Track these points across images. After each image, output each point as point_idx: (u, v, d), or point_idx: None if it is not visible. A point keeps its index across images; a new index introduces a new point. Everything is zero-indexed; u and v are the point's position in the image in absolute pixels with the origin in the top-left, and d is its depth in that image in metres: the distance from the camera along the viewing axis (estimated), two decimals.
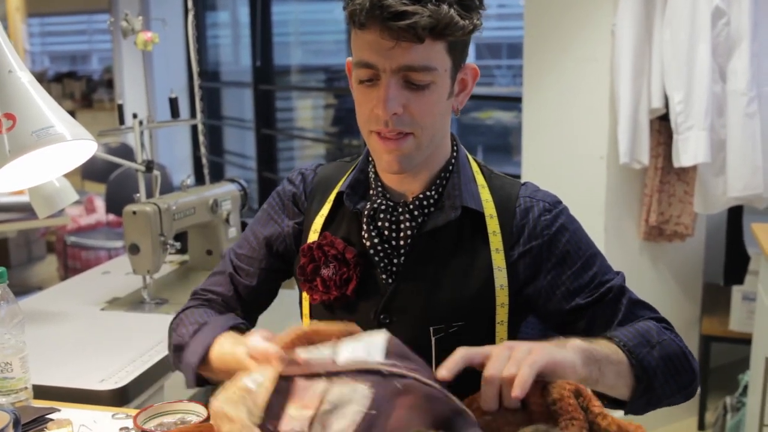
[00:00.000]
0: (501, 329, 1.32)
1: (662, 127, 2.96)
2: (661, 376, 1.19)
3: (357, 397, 0.95)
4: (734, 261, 3.12)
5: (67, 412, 1.41)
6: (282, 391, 1.01)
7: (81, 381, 1.62)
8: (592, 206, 2.99)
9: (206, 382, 1.34)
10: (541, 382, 1.00)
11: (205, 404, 1.35)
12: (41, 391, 1.52)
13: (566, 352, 1.06)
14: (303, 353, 1.03)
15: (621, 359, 1.15)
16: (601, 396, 1.11)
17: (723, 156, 2.77)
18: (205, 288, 1.47)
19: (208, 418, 1.31)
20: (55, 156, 1.36)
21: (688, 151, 2.73)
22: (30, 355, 1.44)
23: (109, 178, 4.85)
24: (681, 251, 3.24)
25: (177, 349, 1.36)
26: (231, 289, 1.44)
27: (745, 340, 3.06)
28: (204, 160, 2.71)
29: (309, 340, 1.06)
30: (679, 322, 3.42)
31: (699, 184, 2.89)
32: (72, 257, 4.92)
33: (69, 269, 4.85)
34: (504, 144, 6.69)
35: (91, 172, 5.69)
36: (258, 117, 6.30)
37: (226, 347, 1.24)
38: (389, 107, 1.19)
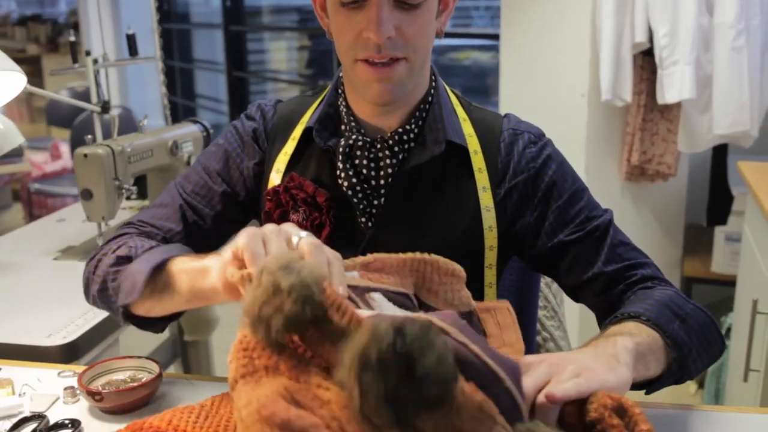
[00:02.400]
0: (489, 273, 1.23)
1: (645, 62, 2.85)
2: (695, 351, 1.07)
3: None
4: (717, 201, 3.04)
5: (8, 370, 1.30)
6: None
7: (26, 336, 1.50)
8: (572, 146, 2.88)
9: (136, 319, 1.18)
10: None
11: (158, 362, 1.24)
12: None
13: (619, 372, 0.89)
14: (376, 295, 0.93)
15: (659, 344, 1.02)
16: None
17: (709, 92, 2.67)
18: (145, 220, 1.29)
19: (160, 375, 1.21)
20: None
21: (673, 86, 2.63)
22: None
23: (74, 123, 4.67)
24: (663, 192, 3.16)
25: (121, 260, 1.16)
26: (180, 225, 1.28)
27: (728, 282, 3.00)
28: (165, 101, 2.57)
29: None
30: (661, 263, 3.32)
31: (683, 121, 2.79)
32: (38, 205, 4.77)
33: (34, 217, 4.70)
34: (482, 85, 6.58)
35: (56, 117, 5.51)
36: (229, 59, 6.15)
37: (200, 261, 1.05)
38: (383, 30, 1.08)
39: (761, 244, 2.14)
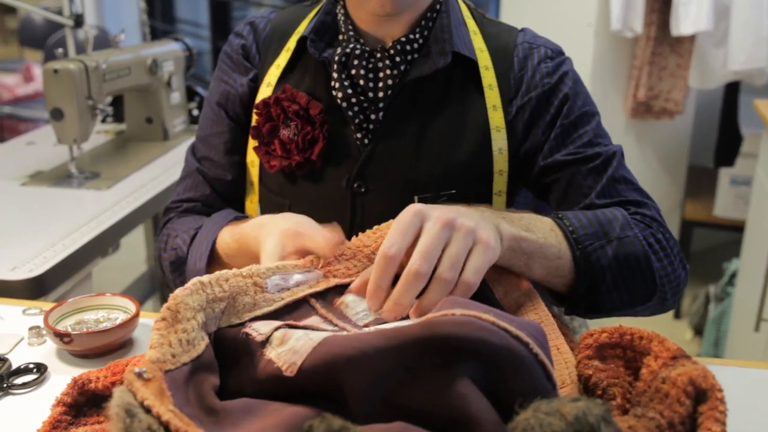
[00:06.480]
0: (498, 200, 1.11)
1: None
2: (610, 279, 0.95)
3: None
4: (726, 142, 2.91)
5: None
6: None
7: None
8: None
9: None
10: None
11: (135, 300, 1.11)
12: None
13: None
14: (348, 298, 0.82)
15: (561, 252, 0.92)
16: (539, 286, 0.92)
17: (725, 25, 2.52)
18: (177, 199, 1.26)
19: (137, 315, 1.08)
20: None
21: (689, 17, 2.48)
22: None
23: (47, 43, 4.45)
24: (667, 130, 3.03)
25: (176, 265, 1.16)
26: (207, 188, 1.22)
27: (731, 227, 2.90)
28: (144, 16, 2.38)
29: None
30: (662, 206, 3.22)
31: (697, 55, 2.64)
32: (9, 130, 4.57)
33: (6, 142, 4.51)
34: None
35: (29, 38, 5.26)
36: None
37: (242, 232, 1.04)
38: None
39: None
